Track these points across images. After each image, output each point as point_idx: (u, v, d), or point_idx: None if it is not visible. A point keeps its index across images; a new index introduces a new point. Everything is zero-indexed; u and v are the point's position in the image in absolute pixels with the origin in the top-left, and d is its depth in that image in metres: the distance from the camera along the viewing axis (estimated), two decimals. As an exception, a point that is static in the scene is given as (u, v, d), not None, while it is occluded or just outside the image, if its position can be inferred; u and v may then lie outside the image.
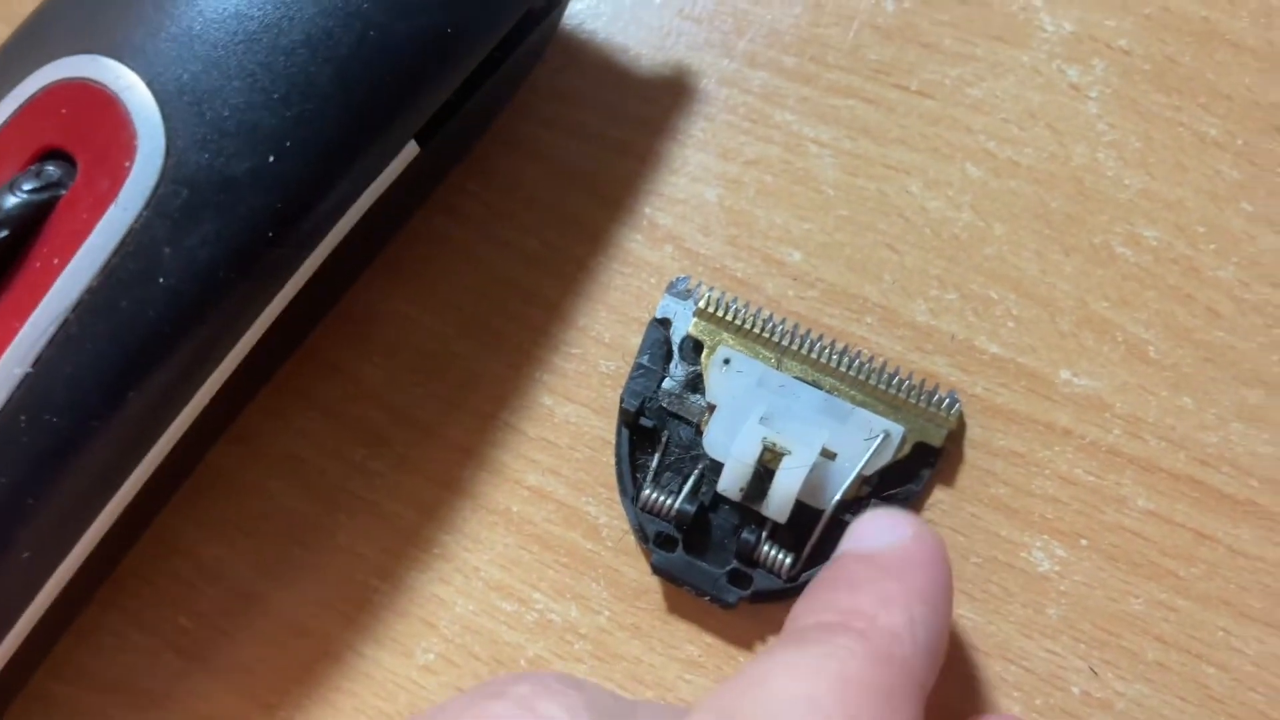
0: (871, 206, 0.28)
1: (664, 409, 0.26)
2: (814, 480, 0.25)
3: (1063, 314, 0.26)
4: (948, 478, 0.26)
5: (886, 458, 0.25)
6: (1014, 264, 0.27)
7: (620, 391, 0.27)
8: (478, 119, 0.27)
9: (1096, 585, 0.25)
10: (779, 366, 0.26)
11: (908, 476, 0.25)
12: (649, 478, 0.26)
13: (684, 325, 0.26)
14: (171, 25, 0.22)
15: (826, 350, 0.26)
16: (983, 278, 0.27)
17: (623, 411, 0.26)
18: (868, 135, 0.28)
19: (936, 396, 0.25)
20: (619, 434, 0.27)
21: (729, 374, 0.26)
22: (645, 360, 0.27)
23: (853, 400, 0.25)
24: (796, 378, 0.26)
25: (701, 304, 0.26)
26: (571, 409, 0.27)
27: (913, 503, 0.25)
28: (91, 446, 0.22)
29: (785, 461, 0.25)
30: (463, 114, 0.25)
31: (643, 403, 0.26)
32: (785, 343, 0.26)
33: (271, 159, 0.22)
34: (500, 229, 0.29)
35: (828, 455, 0.25)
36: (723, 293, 0.27)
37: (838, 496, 0.25)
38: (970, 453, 0.26)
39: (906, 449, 0.25)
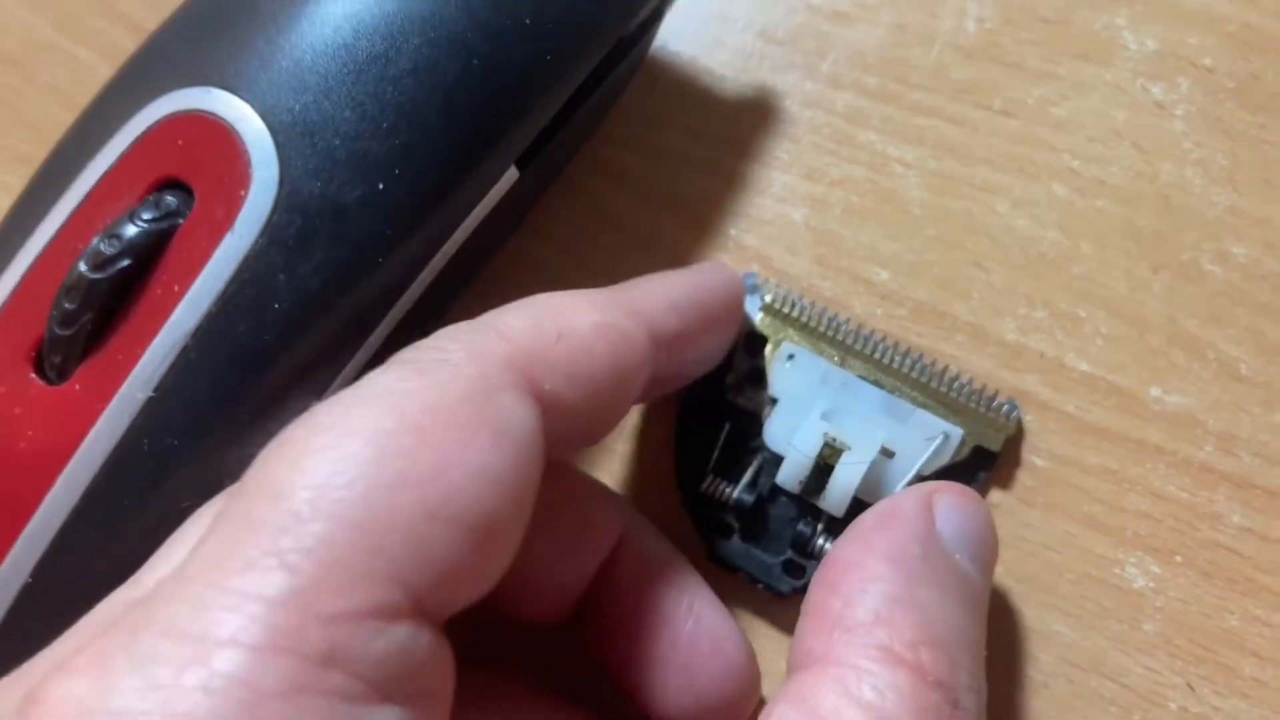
0: (958, 225, 0.28)
1: (725, 401, 0.27)
2: (872, 477, 0.25)
3: (1152, 331, 0.26)
4: (1035, 494, 0.26)
5: (944, 459, 0.25)
6: (1102, 282, 0.27)
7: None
8: (571, 143, 0.28)
9: (1192, 601, 0.25)
10: (842, 364, 0.26)
11: (964, 479, 0.26)
12: (708, 468, 0.26)
13: (750, 320, 0.27)
14: (282, 58, 0.23)
15: (889, 351, 0.26)
16: (1071, 296, 0.27)
17: (682, 401, 0.27)
18: (953, 155, 0.28)
19: (996, 402, 0.26)
20: (679, 424, 0.27)
21: (793, 369, 0.26)
22: None
23: (913, 401, 0.26)
24: (859, 376, 0.26)
25: (769, 299, 0.27)
26: (661, 428, 0.28)
27: None
28: (209, 471, 0.22)
29: (845, 457, 0.25)
30: (558, 139, 0.25)
31: (704, 394, 0.27)
32: (849, 342, 0.26)
33: (381, 186, 0.22)
34: (587, 253, 0.29)
35: (887, 454, 0.25)
36: (789, 289, 0.27)
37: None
38: (1063, 470, 0.26)
39: (965, 452, 0.25)
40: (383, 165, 0.22)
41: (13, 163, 0.32)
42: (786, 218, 0.29)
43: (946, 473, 0.25)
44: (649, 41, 0.28)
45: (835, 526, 0.25)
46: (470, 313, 0.28)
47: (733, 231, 0.29)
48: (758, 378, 0.27)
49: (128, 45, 0.28)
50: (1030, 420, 0.26)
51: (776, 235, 0.29)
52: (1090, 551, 0.25)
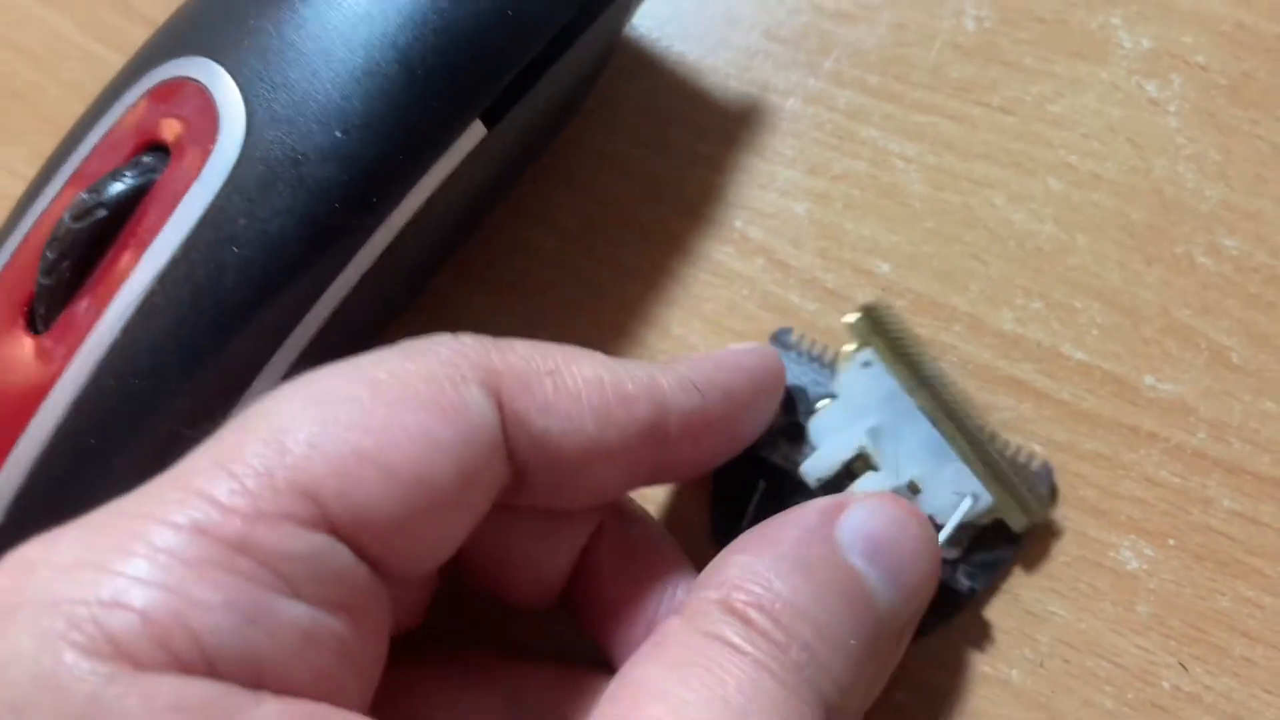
0: (957, 219, 0.29)
1: (760, 458, 0.26)
2: None
3: (1146, 322, 0.27)
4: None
5: (959, 517, 0.25)
6: (1097, 274, 0.28)
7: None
8: (547, 113, 0.28)
9: (1185, 583, 0.25)
10: (910, 393, 0.26)
11: (988, 548, 0.26)
12: (744, 524, 0.26)
13: (787, 381, 0.27)
14: (251, 19, 0.24)
15: (962, 402, 0.26)
16: (1067, 287, 0.28)
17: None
18: (952, 150, 0.29)
19: (1038, 488, 0.26)
20: (714, 480, 0.27)
21: (864, 375, 0.26)
22: None
23: (960, 453, 0.25)
24: (921, 408, 0.26)
25: (870, 302, 0.27)
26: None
27: (996, 570, 0.26)
28: (170, 411, 0.23)
29: (868, 474, 0.25)
30: (528, 102, 0.26)
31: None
32: (928, 375, 0.26)
33: (338, 134, 0.24)
34: (595, 242, 0.30)
35: (913, 489, 0.25)
36: (891, 305, 0.27)
37: None
38: (1058, 456, 0.26)
39: (985, 522, 0.25)
40: (341, 113, 0.24)
41: (34, 157, 0.33)
42: (790, 211, 0.29)
43: (961, 530, 0.25)
44: (626, 13, 0.29)
45: None
46: (462, 294, 0.29)
47: (738, 224, 0.30)
48: (793, 434, 0.27)
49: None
50: (1026, 409, 0.27)
51: (780, 228, 0.29)
52: (1085, 535, 0.26)
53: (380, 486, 0.19)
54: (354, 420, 0.19)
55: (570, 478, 0.22)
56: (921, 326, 0.28)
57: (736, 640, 0.20)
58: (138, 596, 0.17)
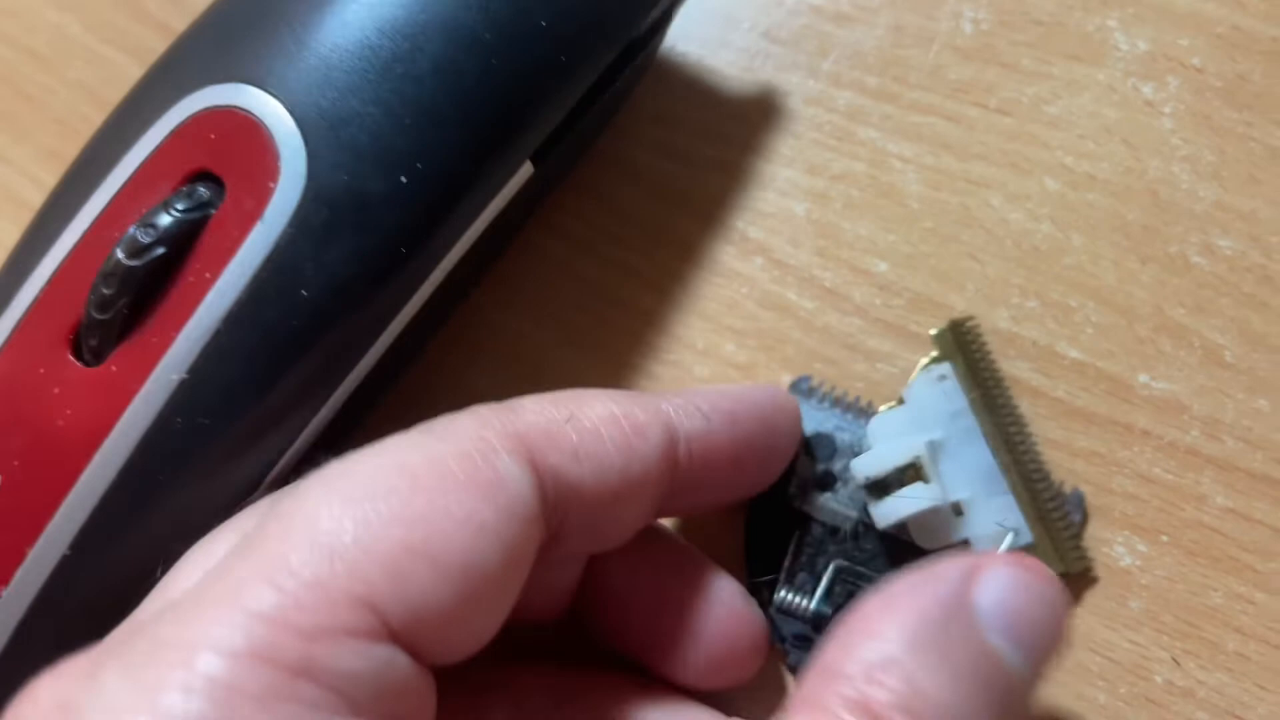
0: (954, 219, 0.29)
1: (792, 508, 0.27)
2: (933, 522, 0.25)
3: (1140, 320, 0.27)
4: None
5: (999, 549, 0.25)
6: (1092, 273, 0.28)
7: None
8: (583, 140, 0.29)
9: (1177, 579, 0.26)
10: (978, 416, 0.26)
11: None
12: (781, 578, 0.26)
13: (809, 424, 0.27)
14: (310, 56, 0.24)
15: (1026, 438, 0.26)
16: (1062, 286, 0.28)
17: (750, 510, 0.27)
18: (949, 151, 0.29)
19: (1074, 538, 0.26)
20: (747, 532, 0.27)
21: (936, 388, 0.26)
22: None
23: (1011, 487, 0.26)
24: (984, 434, 0.26)
25: (958, 319, 0.27)
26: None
27: None
28: (237, 450, 0.23)
29: (916, 485, 0.25)
30: (573, 136, 0.27)
31: (770, 502, 0.27)
32: (1000, 404, 0.26)
33: (403, 180, 0.23)
34: (601, 245, 0.30)
35: (956, 510, 0.25)
36: (980, 333, 0.27)
37: (941, 544, 0.25)
38: (1053, 453, 0.27)
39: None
40: (405, 159, 0.24)
41: (42, 157, 0.34)
42: (789, 211, 0.30)
43: None
44: (659, 42, 0.29)
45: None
46: (487, 301, 0.30)
47: (738, 224, 0.30)
48: (824, 484, 0.27)
49: (154, 44, 0.29)
50: (1022, 406, 0.27)
51: (779, 228, 0.30)
52: (1079, 531, 0.26)
53: (433, 581, 0.18)
54: (397, 513, 0.19)
55: (602, 519, 0.22)
56: (919, 325, 0.28)
57: None
58: None
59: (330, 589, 0.17)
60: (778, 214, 0.30)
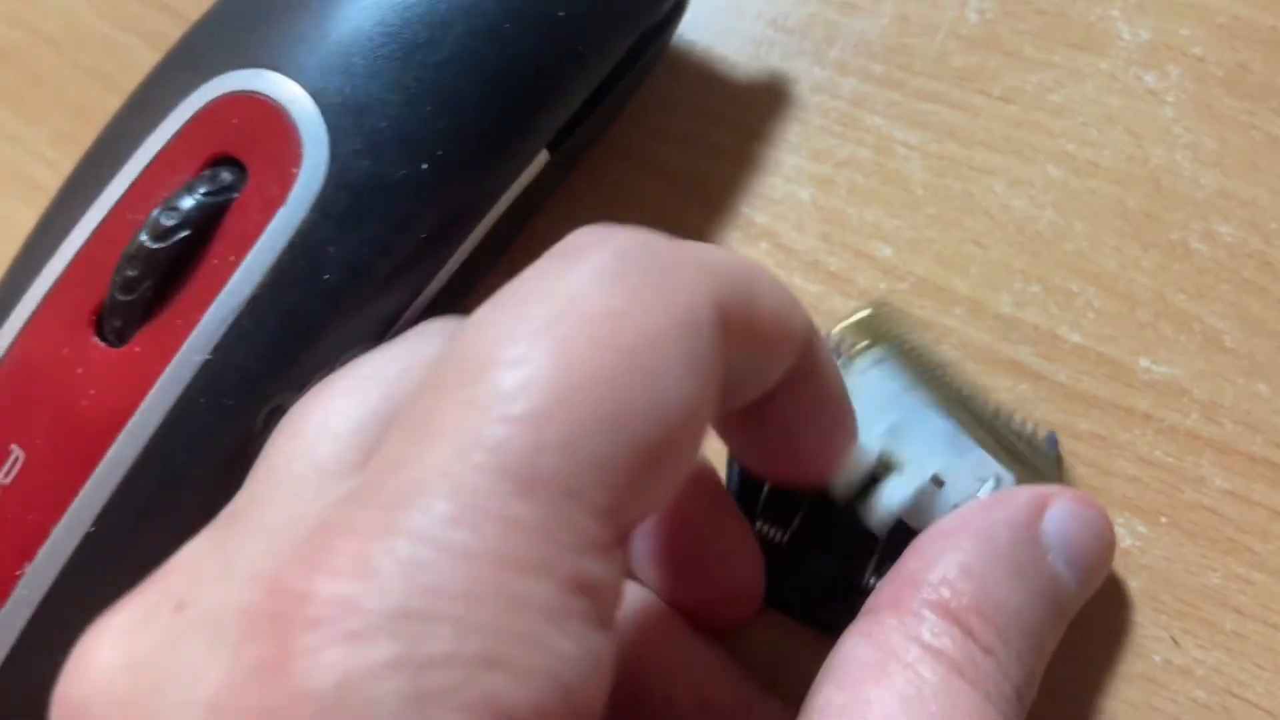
0: (958, 205, 0.29)
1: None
2: (919, 503, 0.25)
3: (1141, 306, 0.28)
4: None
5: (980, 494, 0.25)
6: (1094, 259, 0.28)
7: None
8: (598, 128, 0.29)
9: (1176, 560, 0.26)
10: (921, 387, 0.26)
11: None
12: (759, 507, 0.27)
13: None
14: (331, 43, 0.24)
15: (970, 390, 0.26)
16: (1064, 272, 0.28)
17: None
18: (953, 138, 0.30)
19: (1053, 454, 0.26)
20: (729, 468, 0.27)
21: (875, 374, 0.26)
22: None
23: (977, 440, 0.26)
24: (933, 403, 0.26)
25: (874, 306, 0.27)
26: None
27: None
28: (260, 430, 0.24)
29: (894, 476, 0.25)
30: (586, 124, 0.27)
31: None
32: (936, 371, 0.26)
33: (425, 166, 0.24)
34: (605, 227, 0.31)
35: (937, 482, 0.25)
36: (896, 305, 0.28)
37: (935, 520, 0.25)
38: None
39: None
40: (426, 146, 0.24)
41: (57, 140, 0.34)
42: (795, 197, 0.30)
43: None
44: (672, 30, 0.29)
45: (886, 568, 0.25)
46: (499, 286, 0.30)
47: (744, 210, 0.30)
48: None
49: (166, 29, 0.30)
50: (1024, 390, 0.28)
51: (785, 213, 0.30)
52: (1081, 512, 0.27)
53: (655, 484, 0.17)
54: (627, 406, 0.16)
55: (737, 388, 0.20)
56: (923, 309, 0.29)
57: (961, 659, 0.20)
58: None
59: (585, 504, 0.16)
60: (784, 200, 0.30)
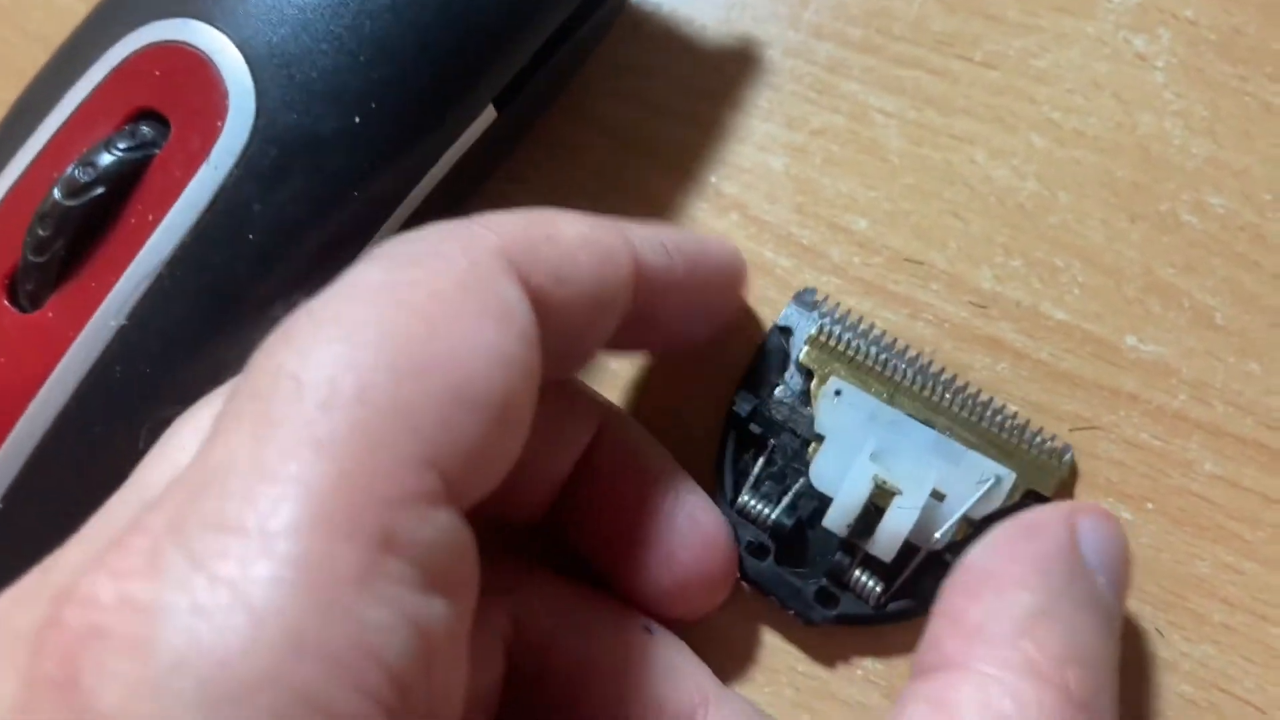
0: (937, 175, 0.28)
1: (774, 418, 0.26)
2: (921, 520, 0.24)
3: (1128, 281, 0.27)
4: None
5: (996, 503, 0.24)
6: (1079, 232, 0.27)
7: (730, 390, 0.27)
8: (551, 86, 0.28)
9: (1163, 548, 0.25)
10: (891, 402, 0.25)
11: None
12: (749, 483, 0.26)
13: (804, 337, 0.26)
14: None
15: (939, 388, 0.25)
16: (1048, 245, 0.27)
17: (732, 415, 0.26)
18: (932, 105, 0.28)
19: (1048, 444, 0.25)
20: (724, 436, 0.26)
21: (840, 406, 0.25)
22: (761, 364, 0.26)
23: (964, 442, 0.25)
24: (909, 415, 0.25)
25: (813, 332, 0.26)
26: (631, 372, 0.28)
27: None
28: (179, 397, 0.22)
29: (896, 501, 0.24)
30: (537, 81, 0.26)
31: (754, 408, 0.26)
32: (898, 378, 0.25)
33: (357, 120, 0.23)
34: (568, 198, 0.29)
35: (937, 496, 0.24)
36: (839, 319, 0.26)
37: (939, 536, 0.24)
38: (1037, 417, 0.26)
39: (1016, 496, 0.25)
40: (359, 99, 0.23)
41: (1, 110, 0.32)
42: (766, 166, 0.29)
43: (996, 515, 0.24)
44: None
45: (874, 561, 0.25)
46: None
47: (713, 179, 0.29)
48: (808, 399, 0.26)
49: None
50: (1004, 369, 0.26)
51: (756, 183, 0.29)
52: (1062, 498, 0.25)
53: (479, 428, 0.17)
54: (427, 358, 0.17)
55: (567, 345, 0.21)
56: (898, 284, 0.27)
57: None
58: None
59: (391, 451, 0.15)
60: (755, 169, 0.29)
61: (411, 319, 0.17)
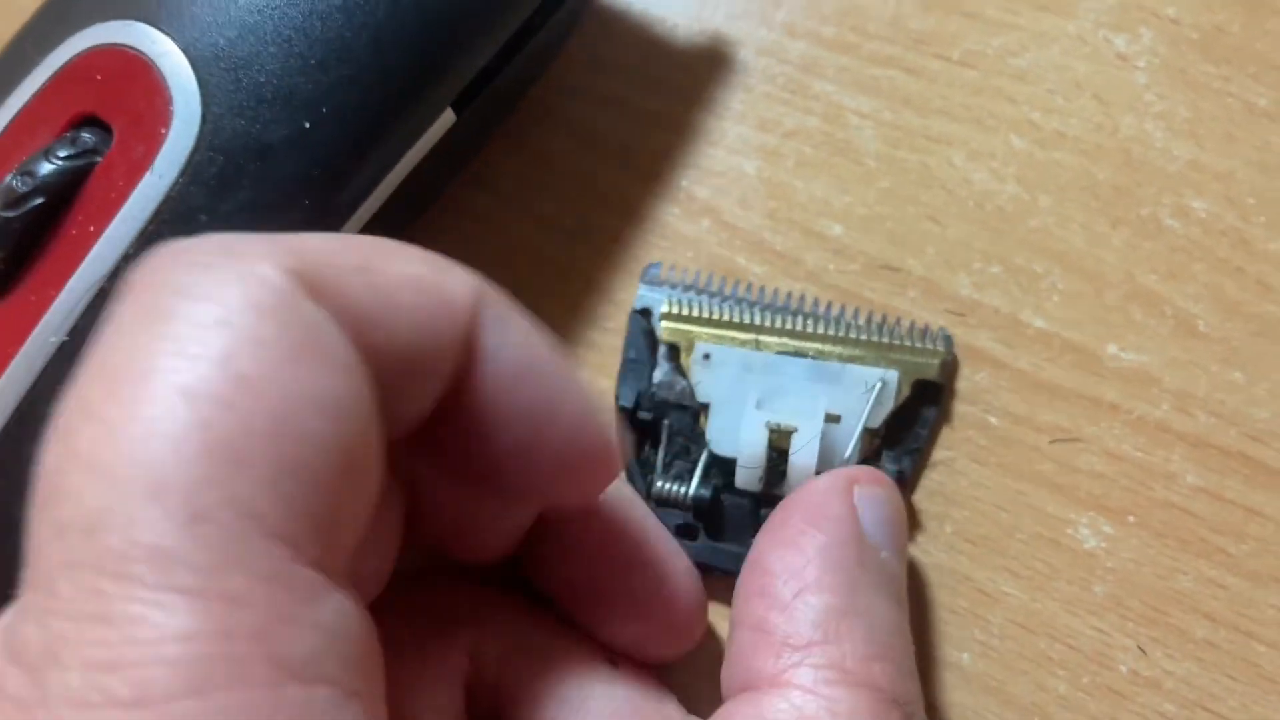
0: (913, 179, 0.27)
1: (659, 399, 0.26)
2: (824, 448, 0.24)
3: (1110, 287, 0.26)
4: (987, 453, 0.25)
5: (889, 406, 0.25)
6: (1060, 237, 0.26)
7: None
8: (513, 89, 0.27)
9: (1145, 562, 0.24)
10: (758, 347, 0.25)
11: (913, 421, 0.25)
12: (658, 470, 0.26)
13: (657, 332, 0.26)
14: None
15: (801, 318, 0.26)
16: (1027, 251, 0.26)
17: (619, 410, 0.26)
18: (909, 106, 0.28)
19: (926, 334, 0.25)
20: (619, 432, 0.26)
21: (713, 368, 0.25)
22: (632, 354, 0.27)
23: (841, 359, 0.25)
24: (779, 353, 0.25)
25: (665, 308, 0.26)
26: (608, 384, 0.27)
27: (924, 445, 0.25)
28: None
29: (795, 439, 0.24)
30: (498, 83, 0.25)
31: (638, 397, 0.26)
32: (758, 320, 0.26)
33: (307, 125, 0.22)
34: (534, 202, 0.28)
35: (831, 419, 0.25)
36: (689, 286, 0.26)
37: (848, 455, 0.24)
38: (1016, 428, 0.25)
39: (906, 391, 0.25)
40: (310, 103, 0.22)
41: None
42: (739, 169, 0.28)
43: (895, 420, 0.25)
44: None
45: None
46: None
47: (684, 183, 0.28)
48: (684, 371, 0.26)
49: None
50: (983, 378, 0.26)
51: (728, 187, 0.28)
52: (1042, 511, 0.25)
53: (331, 488, 0.15)
54: (244, 431, 0.14)
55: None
56: (874, 291, 0.27)
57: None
58: None
59: (243, 549, 0.14)
60: (727, 172, 0.28)
61: (220, 374, 0.14)
